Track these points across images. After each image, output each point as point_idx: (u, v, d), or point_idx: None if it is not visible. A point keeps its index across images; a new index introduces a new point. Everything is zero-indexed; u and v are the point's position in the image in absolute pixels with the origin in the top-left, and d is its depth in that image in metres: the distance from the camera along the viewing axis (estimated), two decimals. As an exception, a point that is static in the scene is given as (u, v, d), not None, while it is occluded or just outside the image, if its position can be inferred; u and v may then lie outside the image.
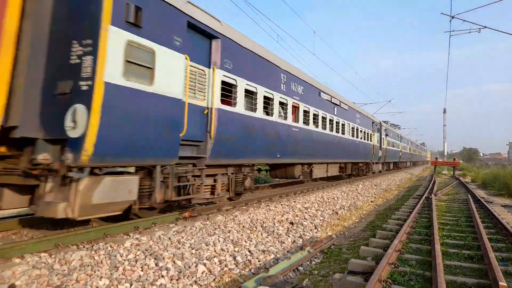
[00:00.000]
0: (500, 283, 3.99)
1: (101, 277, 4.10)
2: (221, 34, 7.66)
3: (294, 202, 10.28)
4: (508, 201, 14.24)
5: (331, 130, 15.38)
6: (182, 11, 6.52)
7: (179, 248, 5.33)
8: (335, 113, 15.90)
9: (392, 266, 4.90)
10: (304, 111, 12.41)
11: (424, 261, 5.25)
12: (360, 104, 37.99)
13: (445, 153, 45.91)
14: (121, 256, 4.70)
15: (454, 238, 6.92)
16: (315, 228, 8.19)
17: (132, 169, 5.85)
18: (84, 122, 4.81)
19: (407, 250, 5.92)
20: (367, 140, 22.51)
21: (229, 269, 4.99)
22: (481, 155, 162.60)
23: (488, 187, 19.58)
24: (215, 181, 7.99)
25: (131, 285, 4.06)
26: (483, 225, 7.85)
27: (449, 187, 19.06)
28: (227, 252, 5.57)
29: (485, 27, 18.97)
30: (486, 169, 39.34)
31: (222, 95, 7.75)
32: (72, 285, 3.84)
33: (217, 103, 7.50)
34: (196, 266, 4.78)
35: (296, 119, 11.71)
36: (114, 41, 5.14)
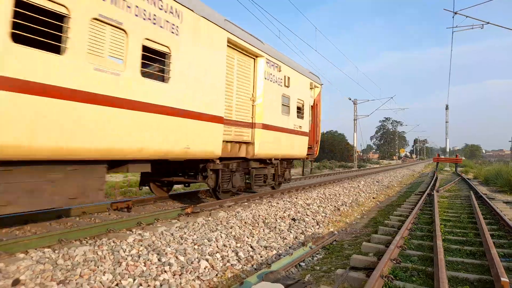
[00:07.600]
0: (502, 279, 4.00)
1: (105, 272, 4.13)
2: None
3: (296, 198, 10.29)
4: (511, 198, 14.21)
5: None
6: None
7: (182, 244, 5.35)
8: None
9: (394, 262, 4.92)
10: None
11: (426, 257, 5.26)
12: (362, 101, 37.47)
13: (447, 150, 45.83)
14: (124, 252, 4.73)
15: (456, 235, 6.92)
16: (317, 224, 8.21)
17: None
18: None
19: (409, 246, 5.93)
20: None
21: (231, 264, 5.02)
22: (484, 151, 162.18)
23: (491, 184, 19.54)
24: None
25: (134, 280, 4.09)
26: (485, 222, 7.83)
27: (451, 184, 19.03)
28: (229, 248, 5.59)
29: (488, 23, 18.86)
30: (488, 165, 39.15)
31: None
32: (75, 280, 3.86)
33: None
34: (198, 262, 4.80)
35: None
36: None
